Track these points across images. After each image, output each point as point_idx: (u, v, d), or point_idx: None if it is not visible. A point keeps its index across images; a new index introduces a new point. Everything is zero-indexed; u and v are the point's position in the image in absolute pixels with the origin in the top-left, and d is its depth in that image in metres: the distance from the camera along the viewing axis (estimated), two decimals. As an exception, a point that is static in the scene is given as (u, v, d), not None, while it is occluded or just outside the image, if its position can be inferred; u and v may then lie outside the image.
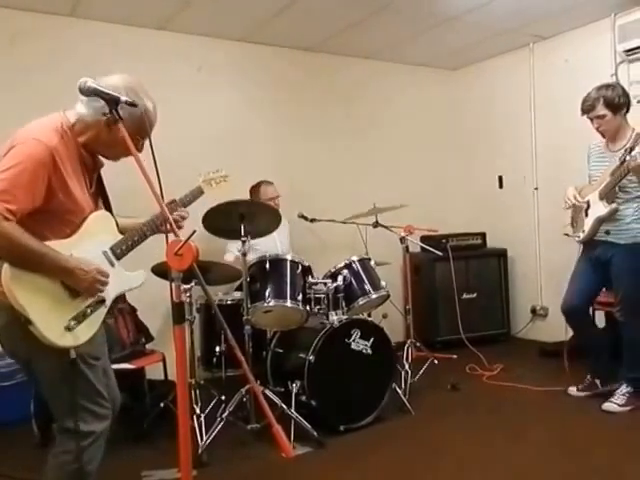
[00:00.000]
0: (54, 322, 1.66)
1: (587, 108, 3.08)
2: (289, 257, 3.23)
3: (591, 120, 3.11)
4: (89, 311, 1.75)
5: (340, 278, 3.24)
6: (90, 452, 1.76)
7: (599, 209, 3.12)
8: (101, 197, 1.92)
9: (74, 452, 1.73)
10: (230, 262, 3.67)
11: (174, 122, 3.90)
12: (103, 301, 1.79)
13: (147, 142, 1.81)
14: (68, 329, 1.68)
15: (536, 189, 4.78)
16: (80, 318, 1.72)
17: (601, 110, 3.03)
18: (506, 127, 5.00)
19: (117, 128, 1.68)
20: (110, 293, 1.82)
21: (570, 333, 3.53)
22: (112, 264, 1.84)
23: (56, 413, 1.79)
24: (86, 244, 1.77)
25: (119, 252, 1.86)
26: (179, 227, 2.04)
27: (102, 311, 1.80)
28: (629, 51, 3.94)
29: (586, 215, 3.22)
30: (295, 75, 4.58)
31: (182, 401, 1.65)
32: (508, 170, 5.03)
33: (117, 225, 1.92)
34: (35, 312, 1.62)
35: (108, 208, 1.94)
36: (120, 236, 1.89)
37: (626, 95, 3.07)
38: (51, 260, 1.66)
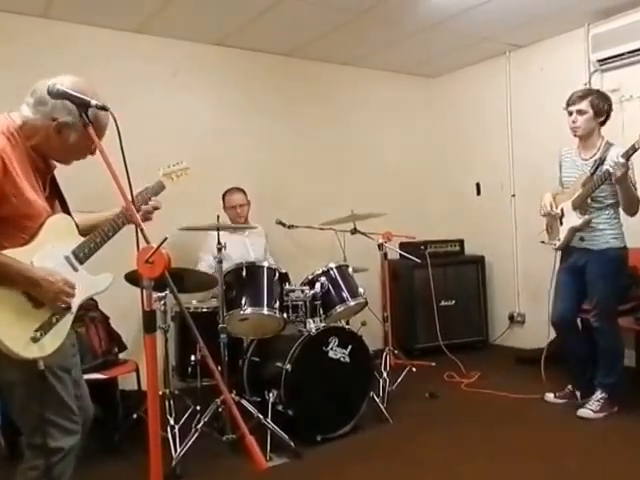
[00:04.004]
0: (18, 334, 1.59)
1: (574, 99, 3.13)
2: (266, 264, 3.19)
3: (570, 114, 3.15)
4: (54, 320, 1.68)
5: (318, 285, 3.22)
6: (59, 468, 1.70)
7: (573, 219, 3.17)
8: (58, 200, 1.85)
9: (42, 469, 1.66)
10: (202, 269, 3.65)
11: (149, 126, 3.87)
12: (69, 308, 1.71)
13: (118, 146, 1.77)
14: (34, 340, 1.61)
15: (513, 196, 4.82)
16: (46, 328, 1.65)
17: (585, 106, 3.08)
18: (483, 134, 5.05)
19: (68, 133, 1.66)
20: (75, 300, 1.74)
21: (547, 340, 3.56)
22: (75, 269, 1.77)
23: (24, 429, 1.73)
24: (46, 250, 1.69)
25: (82, 256, 1.79)
26: (149, 219, 1.99)
27: (68, 319, 1.73)
28: (602, 61, 4.01)
29: (561, 223, 3.26)
30: (273, 80, 4.56)
31: (153, 412, 1.60)
32: (486, 177, 5.06)
33: (77, 227, 1.84)
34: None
35: (66, 211, 1.86)
36: (81, 239, 1.81)
37: (609, 107, 3.13)
38: (16, 271, 1.59)
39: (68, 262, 1.76)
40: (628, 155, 2.86)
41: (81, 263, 1.79)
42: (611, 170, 2.88)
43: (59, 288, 1.65)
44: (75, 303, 1.75)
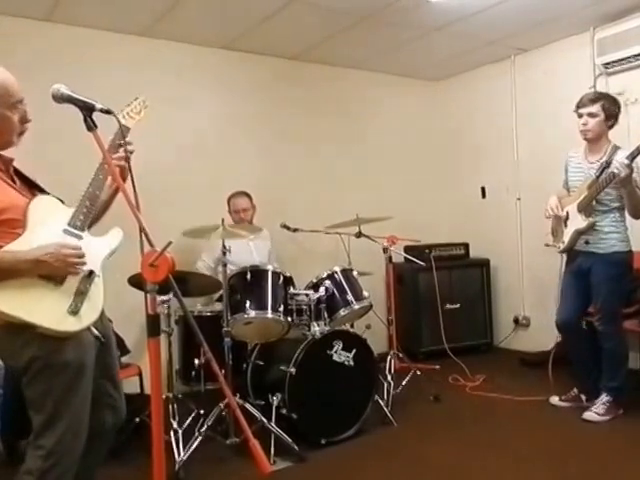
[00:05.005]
0: (53, 313, 1.62)
1: (585, 102, 3.13)
2: (270, 268, 3.19)
3: (580, 116, 3.14)
4: (84, 287, 1.69)
5: (322, 289, 3.21)
6: (54, 473, 1.69)
7: (578, 222, 3.16)
8: (29, 187, 1.86)
9: (36, 474, 1.67)
10: (198, 270, 3.72)
11: (153, 130, 3.87)
12: (92, 272, 1.72)
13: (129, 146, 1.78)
14: (73, 313, 1.64)
15: (519, 199, 4.81)
16: (79, 298, 1.67)
17: (596, 109, 3.08)
18: (488, 138, 5.04)
19: None
20: (96, 262, 1.76)
21: (553, 343, 3.54)
22: (79, 237, 1.77)
23: (35, 421, 1.72)
24: (41, 233, 1.71)
25: (80, 223, 1.79)
26: (124, 166, 1.88)
27: (98, 282, 1.75)
28: (607, 64, 4.00)
29: (565, 226, 3.25)
30: (278, 84, 4.56)
31: (156, 416, 1.59)
32: (491, 181, 5.05)
33: (62, 201, 1.86)
34: (31, 314, 1.58)
35: (43, 193, 1.87)
36: (71, 210, 1.82)
37: (619, 111, 3.13)
38: (15, 261, 1.62)
39: (69, 234, 1.76)
40: (633, 157, 2.85)
41: (83, 230, 1.79)
42: (616, 171, 2.87)
43: (62, 256, 1.66)
44: (97, 265, 1.77)
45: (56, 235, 1.73)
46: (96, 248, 1.80)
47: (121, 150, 1.89)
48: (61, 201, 1.87)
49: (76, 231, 1.78)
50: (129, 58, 3.91)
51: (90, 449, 1.86)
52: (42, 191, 1.88)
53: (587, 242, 3.15)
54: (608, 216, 3.10)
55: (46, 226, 1.73)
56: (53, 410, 1.69)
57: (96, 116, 1.68)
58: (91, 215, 1.83)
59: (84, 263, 1.71)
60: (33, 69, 3.49)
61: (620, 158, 2.89)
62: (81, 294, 1.68)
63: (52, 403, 1.69)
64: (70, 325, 1.63)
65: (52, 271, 1.65)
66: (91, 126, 1.65)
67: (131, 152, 1.88)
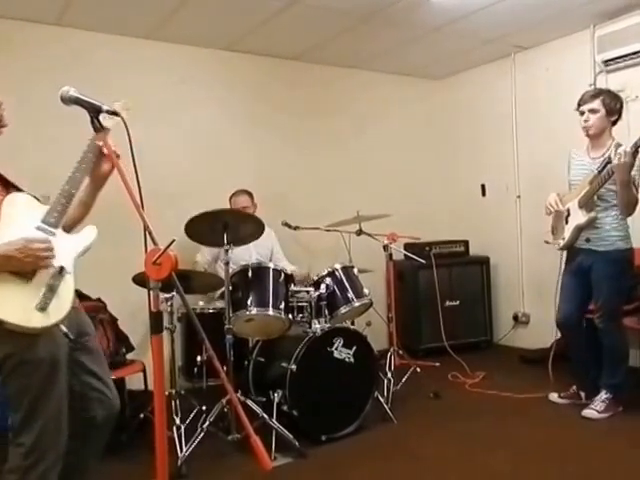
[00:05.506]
0: (21, 308, 1.62)
1: (585, 99, 3.14)
2: (271, 265, 3.21)
3: (582, 113, 3.15)
4: (53, 284, 1.69)
5: (323, 286, 3.22)
6: (36, 472, 1.69)
7: (578, 217, 3.16)
8: (6, 186, 1.85)
9: (18, 472, 1.67)
10: (198, 263, 3.79)
11: (156, 130, 3.90)
12: (62, 269, 1.73)
13: (129, 151, 1.79)
14: (41, 309, 1.64)
15: (518, 197, 4.82)
16: (48, 295, 1.67)
17: (597, 105, 3.08)
18: (489, 136, 5.05)
19: None
20: (67, 258, 1.76)
21: (552, 340, 3.56)
22: (52, 234, 1.77)
23: (14, 420, 1.72)
24: (13, 230, 1.71)
25: (53, 220, 1.79)
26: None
27: (68, 280, 1.74)
28: (607, 62, 4.01)
29: (566, 222, 3.26)
30: (280, 84, 4.58)
31: (159, 412, 1.62)
32: (491, 178, 5.07)
33: (37, 199, 1.86)
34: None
35: (17, 191, 1.87)
36: (46, 207, 1.82)
37: (621, 106, 3.13)
38: None
39: (41, 231, 1.76)
40: (636, 146, 2.81)
41: (56, 227, 1.79)
42: (615, 161, 2.85)
43: (31, 250, 1.66)
44: (68, 262, 1.76)
45: (27, 231, 1.73)
46: (68, 245, 1.80)
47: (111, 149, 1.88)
48: (37, 199, 1.87)
49: (49, 228, 1.78)
50: (134, 60, 3.95)
51: (84, 444, 1.88)
52: (19, 190, 1.88)
53: (588, 240, 3.15)
54: (609, 213, 3.09)
55: (18, 223, 1.74)
56: (30, 407, 1.69)
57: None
58: (66, 212, 1.82)
59: (53, 256, 1.70)
60: (41, 72, 3.53)
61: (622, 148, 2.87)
62: (50, 291, 1.67)
63: (29, 400, 1.69)
64: (37, 322, 1.63)
65: (22, 267, 1.65)
66: (98, 127, 1.67)
67: (117, 156, 1.87)
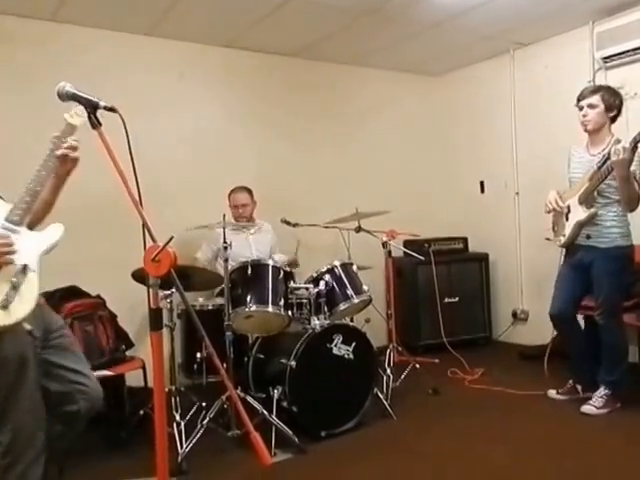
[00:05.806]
0: None
1: (585, 94, 3.14)
2: (271, 262, 3.22)
3: (580, 109, 3.14)
4: (16, 281, 1.69)
5: (322, 283, 3.23)
6: (17, 470, 1.68)
7: (579, 214, 3.16)
8: None
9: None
10: (198, 260, 3.79)
11: (154, 126, 3.90)
12: (26, 267, 1.72)
13: (127, 147, 1.79)
14: (3, 307, 1.63)
15: (517, 194, 4.83)
16: (10, 293, 1.66)
17: (596, 100, 3.08)
18: (487, 133, 5.05)
19: None
20: (31, 256, 1.76)
21: (550, 337, 3.57)
22: (15, 232, 1.77)
23: None
24: None
25: (17, 218, 1.79)
26: (67, 160, 1.90)
27: (32, 278, 1.74)
28: (606, 58, 4.01)
29: (567, 219, 3.26)
30: (279, 81, 4.58)
31: (159, 409, 1.63)
32: (490, 175, 5.07)
33: (1, 198, 1.86)
34: None
35: None
36: (9, 206, 1.82)
37: (620, 103, 3.13)
38: None
39: (5, 228, 1.76)
40: (635, 141, 2.81)
41: (20, 225, 1.79)
42: (614, 157, 2.85)
43: None
44: (33, 260, 1.76)
45: None
46: (33, 243, 1.79)
47: (64, 145, 1.89)
48: (1, 198, 1.87)
49: (12, 226, 1.77)
50: (132, 57, 3.94)
51: (69, 432, 1.89)
52: None
53: (588, 236, 3.15)
54: (610, 209, 3.09)
55: None
56: (1, 407, 1.69)
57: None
58: (31, 210, 1.82)
59: (13, 252, 1.70)
60: (36, 68, 3.52)
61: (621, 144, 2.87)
62: (13, 289, 1.67)
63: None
64: (4, 319, 1.62)
65: None
66: (95, 123, 1.67)
67: (75, 148, 1.88)
